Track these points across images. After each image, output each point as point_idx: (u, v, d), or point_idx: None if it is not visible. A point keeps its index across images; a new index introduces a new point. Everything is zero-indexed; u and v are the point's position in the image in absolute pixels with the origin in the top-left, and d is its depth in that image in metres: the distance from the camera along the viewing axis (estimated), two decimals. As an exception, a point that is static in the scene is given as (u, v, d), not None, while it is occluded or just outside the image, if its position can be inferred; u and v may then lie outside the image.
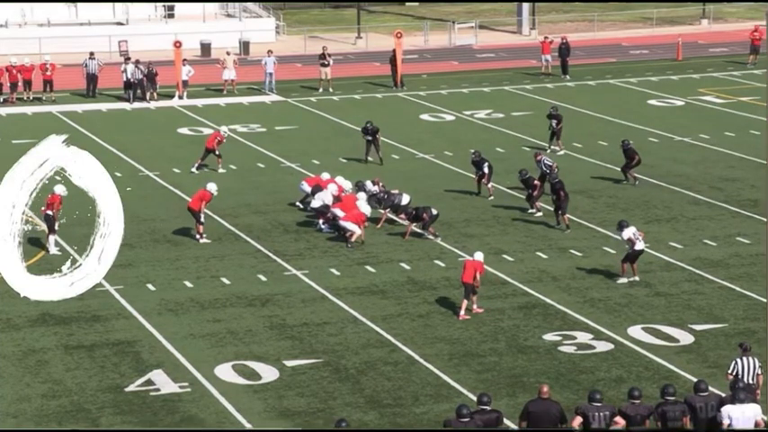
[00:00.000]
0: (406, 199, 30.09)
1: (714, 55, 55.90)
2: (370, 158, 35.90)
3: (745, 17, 67.12)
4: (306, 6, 72.22)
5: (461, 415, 16.61)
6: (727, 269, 26.42)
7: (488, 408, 17.07)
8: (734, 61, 53.51)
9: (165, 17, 60.96)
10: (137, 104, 45.94)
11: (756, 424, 17.08)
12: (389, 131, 39.46)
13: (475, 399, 19.99)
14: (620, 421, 16.99)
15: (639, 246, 25.62)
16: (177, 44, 47.32)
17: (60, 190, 27.58)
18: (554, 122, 36.96)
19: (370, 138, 35.93)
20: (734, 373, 18.14)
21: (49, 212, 28.24)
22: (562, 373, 21.19)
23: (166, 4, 60.84)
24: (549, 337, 22.91)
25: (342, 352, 22.38)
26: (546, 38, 52.62)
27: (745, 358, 18.29)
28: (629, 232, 25.68)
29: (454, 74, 52.55)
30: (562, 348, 22.34)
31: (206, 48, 56.99)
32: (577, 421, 17.03)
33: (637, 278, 25.69)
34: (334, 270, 26.98)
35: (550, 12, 68.97)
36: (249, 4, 64.09)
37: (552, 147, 37.03)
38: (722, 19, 67.52)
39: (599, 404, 17.02)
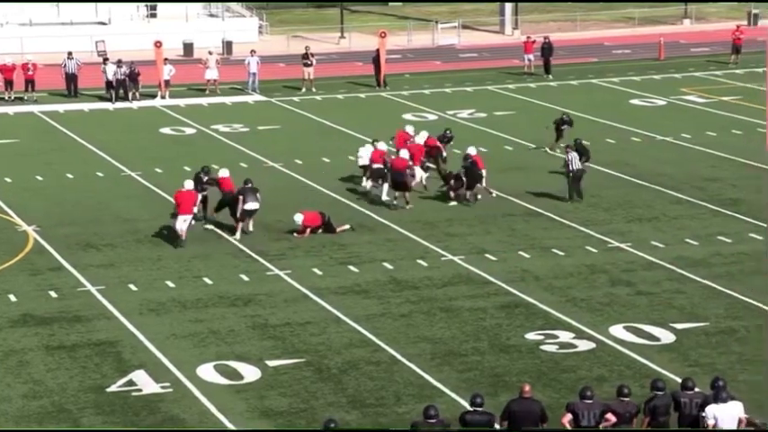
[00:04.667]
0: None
1: (696, 55, 56.07)
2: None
3: (726, 17, 67.35)
4: (289, 6, 72.17)
5: (428, 416, 16.63)
6: (709, 268, 26.50)
7: (481, 409, 17.02)
8: (715, 61, 53.69)
9: (147, 17, 60.82)
10: (119, 104, 45.81)
11: (740, 422, 17.15)
12: (372, 131, 39.44)
13: (457, 398, 20.03)
14: (612, 418, 17.02)
15: None
16: (158, 44, 47.22)
17: None
18: (566, 128, 36.94)
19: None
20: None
21: None
22: (544, 372, 21.22)
23: (149, 3, 60.71)
24: (532, 336, 22.94)
25: (324, 352, 22.36)
26: (528, 37, 52.72)
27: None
28: None
29: (437, 73, 52.59)
30: (544, 347, 22.37)
31: (188, 47, 56.88)
32: (567, 418, 17.05)
33: None
34: (316, 270, 26.96)
35: (533, 11, 69.08)
36: (232, 4, 64.02)
37: (549, 149, 36.82)
38: (704, 19, 67.74)
39: (590, 401, 17.05)
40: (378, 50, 49.42)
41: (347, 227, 29.48)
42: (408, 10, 71.21)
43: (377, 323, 23.75)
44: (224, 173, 30.59)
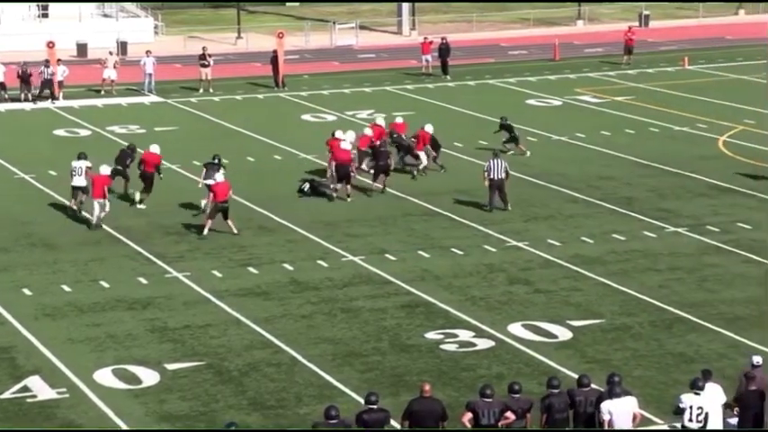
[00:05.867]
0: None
1: (590, 55, 56.98)
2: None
3: (618, 18, 68.56)
4: (185, 6, 71.54)
5: (329, 416, 16.63)
6: (604, 266, 26.94)
7: (376, 407, 17.10)
8: (609, 61, 54.61)
9: (39, 17, 59.75)
10: (9, 105, 44.96)
11: (634, 417, 17.46)
12: (271, 132, 39.32)
13: (358, 398, 20.05)
14: (511, 416, 17.18)
15: None
16: (50, 44, 46.45)
17: None
18: (505, 132, 37.01)
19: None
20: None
21: None
22: (444, 371, 21.36)
23: (40, 3, 59.66)
24: (432, 335, 23.07)
25: (224, 354, 22.22)
26: (426, 38, 53.05)
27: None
28: None
29: (335, 74, 52.61)
30: (444, 346, 22.52)
31: (82, 48, 56.05)
32: (467, 417, 17.16)
33: None
34: (216, 272, 26.77)
35: (430, 12, 69.50)
36: (126, 4, 63.24)
37: (514, 150, 36.89)
38: (597, 20, 68.86)
39: (489, 400, 17.17)
40: (275, 51, 49.26)
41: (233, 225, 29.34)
42: (306, 10, 71.11)
43: (277, 325, 23.67)
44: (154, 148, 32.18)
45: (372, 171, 33.40)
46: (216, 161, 31.36)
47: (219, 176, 29.63)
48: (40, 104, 44.96)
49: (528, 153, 36.91)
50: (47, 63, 45.64)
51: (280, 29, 53.09)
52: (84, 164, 30.82)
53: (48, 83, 45.49)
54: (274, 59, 49.22)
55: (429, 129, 35.23)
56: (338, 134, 33.93)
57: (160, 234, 29.43)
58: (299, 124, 42.49)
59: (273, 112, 44.73)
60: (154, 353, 22.27)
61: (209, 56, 48.67)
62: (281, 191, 33.39)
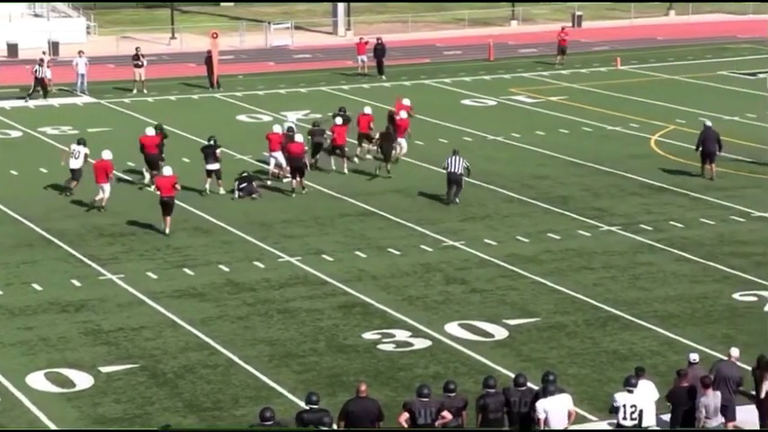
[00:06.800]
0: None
1: (524, 55, 57.34)
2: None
3: (552, 18, 69.09)
4: (118, 6, 70.89)
5: (265, 418, 16.57)
6: (540, 265, 27.11)
7: (317, 407, 17.07)
8: (542, 62, 55.00)
9: (-32, 16, 58.93)
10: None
11: (569, 414, 17.57)
12: (206, 133, 38.99)
13: (295, 399, 19.99)
14: (448, 415, 17.21)
15: None
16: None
17: None
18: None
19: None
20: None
21: None
22: (381, 371, 21.37)
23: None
24: (369, 335, 23.07)
25: (159, 356, 22.04)
26: (361, 38, 53.07)
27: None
28: None
29: (271, 74, 52.45)
30: (381, 346, 22.52)
31: (13, 48, 55.32)
32: (404, 417, 17.17)
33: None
34: (150, 273, 26.55)
35: (365, 12, 69.54)
36: (58, 4, 62.52)
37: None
38: (531, 20, 69.34)
39: (426, 399, 17.20)
40: (210, 51, 48.99)
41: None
42: (240, 11, 70.80)
43: (213, 326, 23.52)
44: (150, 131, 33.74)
45: (378, 155, 35.02)
46: (212, 143, 32.76)
47: (168, 170, 29.92)
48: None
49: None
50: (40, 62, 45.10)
51: (214, 29, 52.81)
52: (82, 149, 32.54)
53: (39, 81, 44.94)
54: (209, 60, 48.94)
55: (368, 110, 36.87)
56: (276, 129, 34.39)
57: (93, 236, 29.13)
58: (235, 125, 42.29)
59: (208, 112, 44.46)
60: (87, 356, 22.02)
61: (143, 56, 48.28)
62: (216, 192, 33.18)
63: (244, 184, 32.78)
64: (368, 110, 37.27)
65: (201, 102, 46.58)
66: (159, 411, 19.74)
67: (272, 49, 59.73)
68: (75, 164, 32.46)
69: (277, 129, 34.66)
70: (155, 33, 61.75)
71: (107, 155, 31.40)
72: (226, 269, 26.87)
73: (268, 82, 50.26)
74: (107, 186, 31.09)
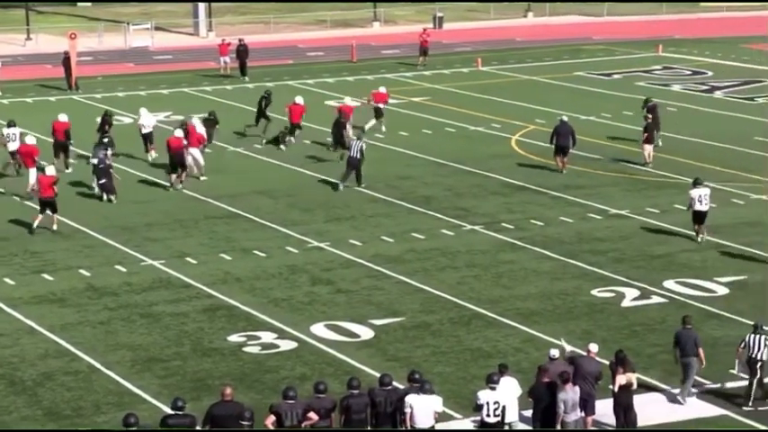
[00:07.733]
0: None
1: (386, 57, 57.66)
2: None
3: (414, 20, 69.65)
4: (-29, 5, 69.04)
5: (128, 424, 16.37)
6: (404, 264, 27.28)
7: (182, 413, 16.87)
8: (405, 62, 55.39)
9: None
10: None
11: (435, 413, 17.70)
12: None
13: (159, 404, 19.71)
14: (314, 416, 17.19)
15: (699, 207, 28.01)
16: None
17: None
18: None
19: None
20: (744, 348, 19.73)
21: None
22: (247, 374, 21.22)
23: None
24: (234, 338, 22.89)
25: (17, 364, 21.49)
26: (223, 40, 52.71)
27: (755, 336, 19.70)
28: (694, 193, 28.04)
29: (131, 76, 51.68)
30: (247, 349, 22.37)
31: None
32: (270, 420, 17.10)
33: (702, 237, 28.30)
34: (8, 279, 25.89)
35: (227, 13, 69.06)
36: None
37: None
38: (393, 22, 69.79)
39: (292, 401, 17.16)
40: (67, 52, 48.03)
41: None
42: (98, 11, 69.64)
43: (74, 332, 23.05)
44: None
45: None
46: (211, 117, 34.84)
47: (50, 170, 30.06)
48: None
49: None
50: None
51: (72, 30, 51.78)
52: (16, 130, 34.13)
53: None
54: (66, 61, 47.99)
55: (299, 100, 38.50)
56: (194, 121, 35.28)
57: (-53, 242, 28.28)
58: (94, 127, 41.49)
59: (67, 114, 43.48)
60: (-58, 366, 21.36)
61: (-2, 57, 47.13)
62: (75, 195, 32.56)
63: (103, 180, 32.10)
64: (299, 99, 38.71)
65: (59, 104, 45.57)
66: (17, 420, 19.26)
67: (132, 51, 58.86)
68: (14, 146, 33.74)
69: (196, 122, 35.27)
70: (9, 34, 60.30)
71: (30, 140, 32.73)
72: (87, 274, 26.36)
73: (128, 83, 49.51)
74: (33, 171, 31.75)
